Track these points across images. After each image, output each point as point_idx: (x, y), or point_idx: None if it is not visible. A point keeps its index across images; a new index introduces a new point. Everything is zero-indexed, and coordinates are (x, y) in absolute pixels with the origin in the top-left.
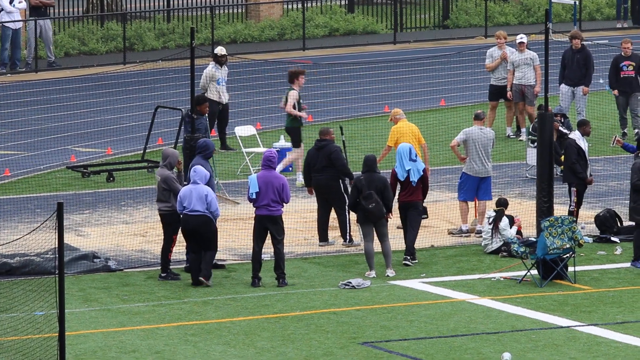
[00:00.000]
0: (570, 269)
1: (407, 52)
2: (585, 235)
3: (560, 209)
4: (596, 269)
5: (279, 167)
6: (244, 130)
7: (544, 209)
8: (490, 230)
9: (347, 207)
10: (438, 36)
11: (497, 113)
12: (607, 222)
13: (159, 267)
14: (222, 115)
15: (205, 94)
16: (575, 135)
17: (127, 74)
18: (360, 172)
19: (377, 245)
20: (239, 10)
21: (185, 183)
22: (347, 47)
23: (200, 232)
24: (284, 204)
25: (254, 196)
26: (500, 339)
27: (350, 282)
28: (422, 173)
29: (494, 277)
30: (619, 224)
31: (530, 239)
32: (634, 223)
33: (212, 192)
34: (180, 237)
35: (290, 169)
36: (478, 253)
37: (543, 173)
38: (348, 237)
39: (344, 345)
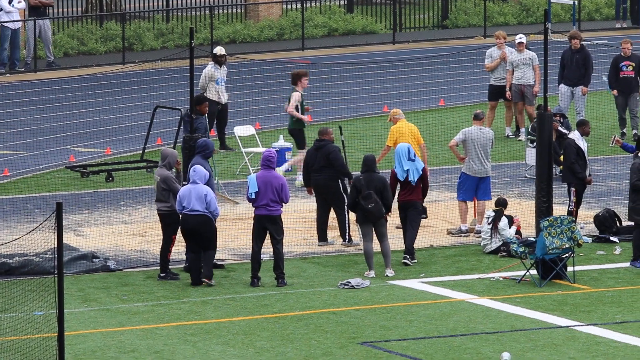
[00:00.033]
0: (570, 268)
1: (406, 52)
2: (584, 235)
3: (560, 209)
4: (595, 269)
5: (284, 166)
6: (243, 130)
7: (543, 209)
8: (489, 230)
9: (346, 207)
10: (437, 36)
11: (496, 113)
12: (606, 222)
13: (158, 267)
14: (221, 115)
15: (205, 94)
16: (575, 135)
17: (126, 74)
18: (359, 172)
19: (376, 245)
20: (238, 10)
21: (184, 183)
22: (346, 47)
23: (200, 231)
24: (283, 204)
25: (253, 196)
26: (500, 338)
27: (350, 282)
28: (421, 172)
29: (493, 277)
30: (618, 224)
31: (529, 238)
32: (633, 223)
33: (212, 192)
34: (179, 237)
35: (291, 169)
36: (477, 253)
37: (542, 173)
38: (347, 237)
39: (343, 345)
